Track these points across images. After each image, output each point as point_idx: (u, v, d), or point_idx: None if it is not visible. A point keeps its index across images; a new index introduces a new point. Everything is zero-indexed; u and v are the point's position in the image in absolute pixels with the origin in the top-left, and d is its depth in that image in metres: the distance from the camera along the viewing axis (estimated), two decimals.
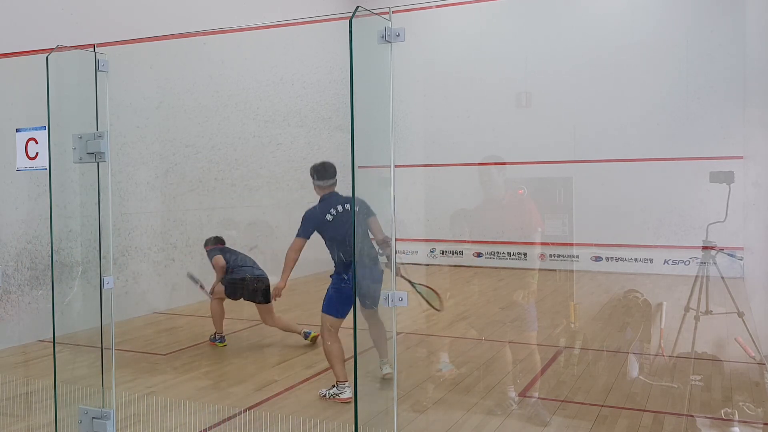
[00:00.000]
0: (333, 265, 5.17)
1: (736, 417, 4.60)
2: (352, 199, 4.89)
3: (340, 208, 5.14)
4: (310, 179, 5.29)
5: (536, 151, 10.88)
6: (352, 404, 3.35)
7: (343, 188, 5.46)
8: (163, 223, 8.62)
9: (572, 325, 7.11)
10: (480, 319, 7.92)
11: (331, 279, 5.16)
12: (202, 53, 9.00)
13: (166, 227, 8.68)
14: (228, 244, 7.07)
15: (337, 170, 5.34)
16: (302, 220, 5.15)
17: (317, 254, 5.40)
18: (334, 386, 4.99)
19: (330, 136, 11.42)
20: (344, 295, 5.02)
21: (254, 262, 6.81)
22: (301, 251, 5.16)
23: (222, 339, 6.68)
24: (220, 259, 6.74)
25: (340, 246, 5.07)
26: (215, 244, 7.02)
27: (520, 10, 11.79)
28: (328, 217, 5.11)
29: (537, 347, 5.88)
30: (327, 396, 4.98)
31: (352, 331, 3.54)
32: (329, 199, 5.18)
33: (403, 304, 3.33)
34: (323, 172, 5.21)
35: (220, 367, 5.96)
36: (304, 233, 5.12)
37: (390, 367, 5.08)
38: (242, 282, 6.56)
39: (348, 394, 4.87)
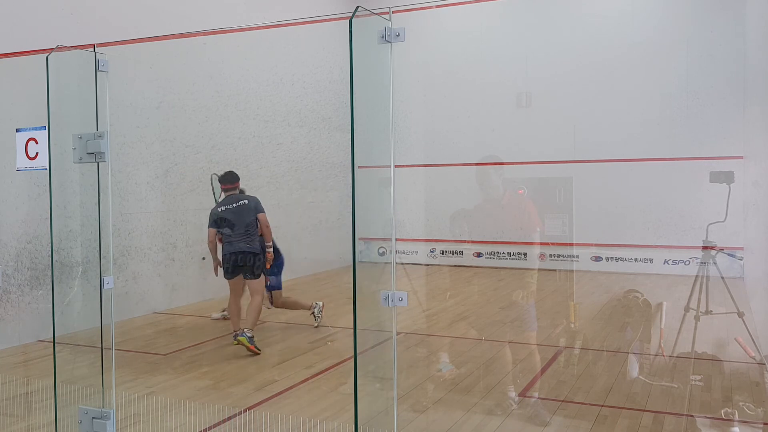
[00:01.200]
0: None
1: (736, 417, 4.60)
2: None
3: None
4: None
5: (536, 151, 10.89)
6: (353, 403, 3.35)
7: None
8: (163, 223, 8.62)
9: (572, 325, 7.11)
10: (480, 319, 7.92)
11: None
12: (202, 53, 9.00)
13: (166, 227, 8.68)
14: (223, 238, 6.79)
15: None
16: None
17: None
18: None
19: (330, 136, 11.42)
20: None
21: (246, 231, 6.53)
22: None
23: (240, 334, 6.29)
24: (211, 234, 6.53)
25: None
26: (227, 186, 6.71)
27: (520, 10, 11.79)
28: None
29: (537, 347, 5.88)
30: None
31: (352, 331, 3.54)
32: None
33: (403, 304, 3.33)
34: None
35: (220, 367, 5.96)
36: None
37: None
38: (234, 259, 6.50)
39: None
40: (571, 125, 10.91)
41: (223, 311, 7.53)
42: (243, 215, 6.51)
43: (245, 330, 6.23)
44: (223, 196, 6.78)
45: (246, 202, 6.58)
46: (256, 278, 6.53)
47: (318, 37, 10.81)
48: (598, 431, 4.37)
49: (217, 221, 6.55)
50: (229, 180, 6.70)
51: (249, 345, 6.15)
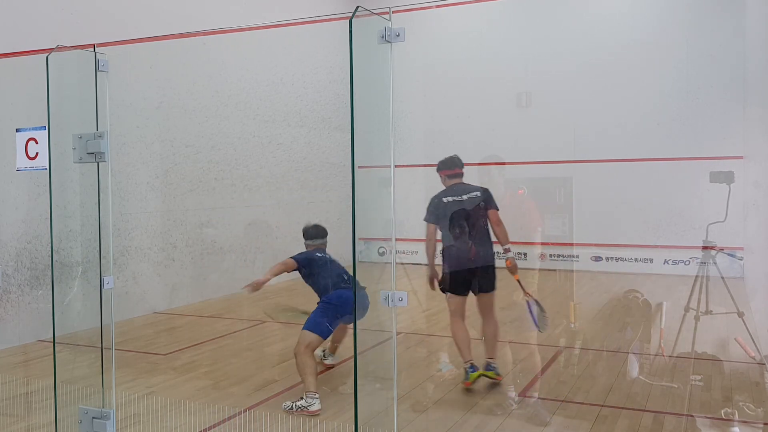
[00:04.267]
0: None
1: (736, 417, 4.60)
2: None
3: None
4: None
5: (536, 151, 10.88)
6: (353, 403, 3.35)
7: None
8: (163, 223, 8.62)
9: (572, 325, 7.11)
10: (480, 319, 7.90)
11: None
12: (202, 53, 9.00)
13: (166, 227, 8.68)
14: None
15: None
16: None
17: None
18: (302, 398, 4.83)
19: (330, 136, 11.42)
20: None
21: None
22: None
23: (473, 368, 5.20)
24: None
25: None
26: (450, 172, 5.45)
27: (520, 10, 11.79)
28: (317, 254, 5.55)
29: (537, 347, 5.88)
30: (293, 410, 4.75)
31: (353, 331, 3.54)
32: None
33: (403, 304, 3.34)
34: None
35: (220, 367, 5.96)
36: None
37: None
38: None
39: (317, 405, 4.75)
40: (571, 125, 10.91)
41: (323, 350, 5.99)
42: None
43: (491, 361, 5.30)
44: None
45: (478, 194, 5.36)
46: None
47: (318, 37, 10.80)
48: (598, 431, 4.37)
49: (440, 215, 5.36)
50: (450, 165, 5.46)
51: (497, 376, 5.19)
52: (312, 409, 4.75)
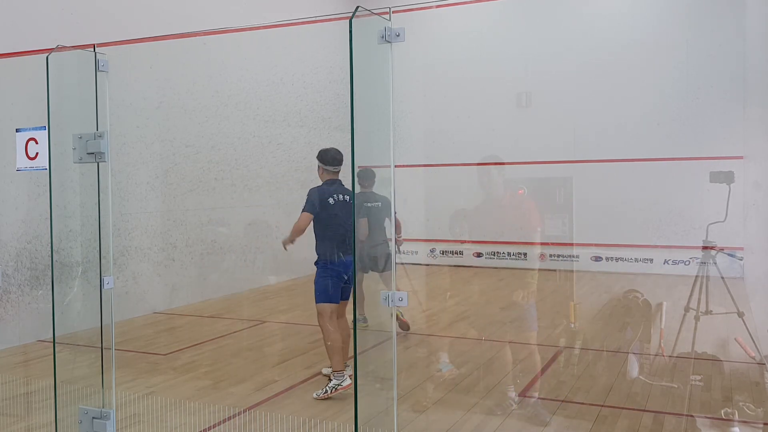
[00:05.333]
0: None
1: (736, 417, 4.60)
2: (352, 193, 5.20)
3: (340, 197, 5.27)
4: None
5: (536, 151, 10.89)
6: (353, 403, 3.35)
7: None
8: (163, 223, 8.62)
9: (572, 325, 7.11)
10: (480, 319, 7.92)
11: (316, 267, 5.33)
12: (202, 53, 9.00)
13: (166, 227, 8.68)
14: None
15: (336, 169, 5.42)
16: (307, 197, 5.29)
17: (316, 255, 5.39)
18: (330, 379, 5.10)
19: (330, 136, 11.42)
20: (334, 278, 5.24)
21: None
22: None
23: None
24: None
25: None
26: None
27: (520, 10, 11.79)
28: (330, 200, 5.22)
29: (537, 347, 5.88)
30: (328, 392, 5.02)
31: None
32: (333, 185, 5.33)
33: (403, 304, 3.33)
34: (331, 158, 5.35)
35: (220, 367, 5.96)
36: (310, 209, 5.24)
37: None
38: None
39: (348, 380, 4.99)
40: (571, 125, 10.91)
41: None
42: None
43: None
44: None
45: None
46: None
47: (318, 37, 10.81)
48: (598, 431, 4.37)
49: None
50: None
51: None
52: (344, 384, 4.99)
